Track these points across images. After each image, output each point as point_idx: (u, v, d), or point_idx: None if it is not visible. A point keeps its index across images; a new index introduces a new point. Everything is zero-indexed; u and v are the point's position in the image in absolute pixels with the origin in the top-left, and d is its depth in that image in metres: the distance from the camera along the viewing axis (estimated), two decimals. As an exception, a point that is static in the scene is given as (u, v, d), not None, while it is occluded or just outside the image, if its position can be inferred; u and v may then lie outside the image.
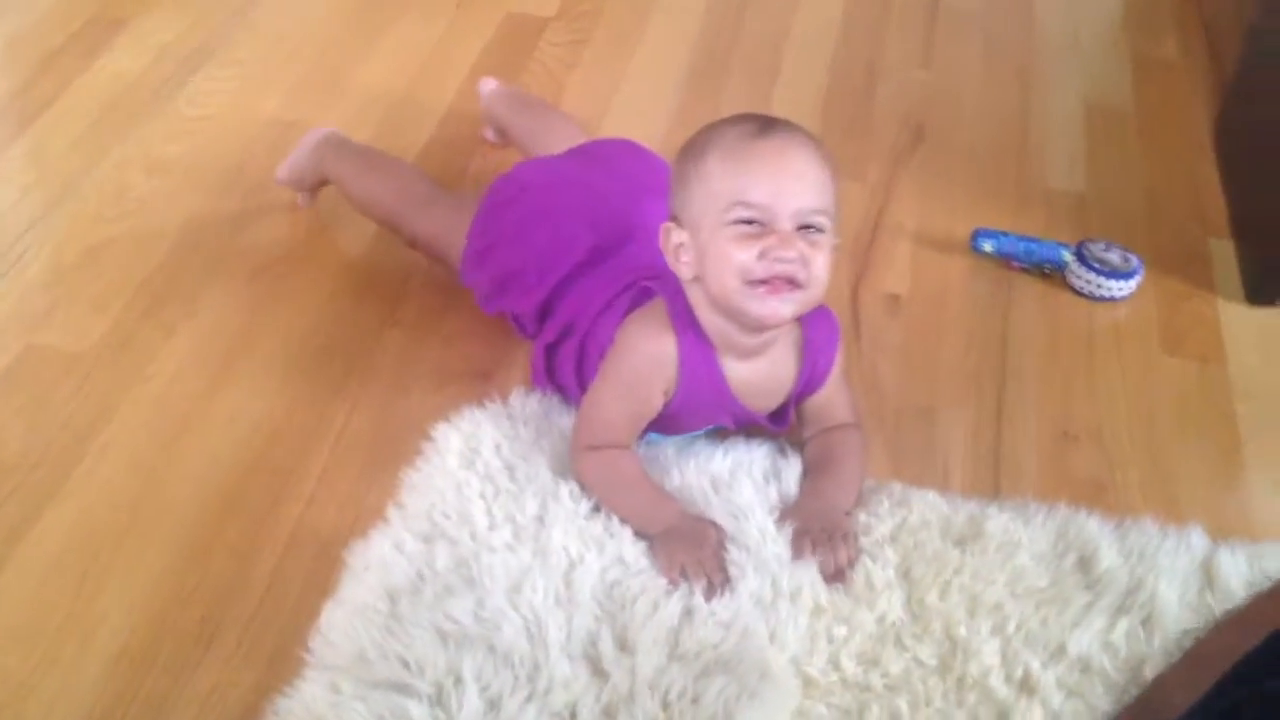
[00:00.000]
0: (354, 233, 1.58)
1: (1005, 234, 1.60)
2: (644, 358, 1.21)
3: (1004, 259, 1.59)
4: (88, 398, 1.34)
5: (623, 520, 1.20)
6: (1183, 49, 2.11)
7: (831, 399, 1.28)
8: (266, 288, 1.49)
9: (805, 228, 1.14)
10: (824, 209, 1.15)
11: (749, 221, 1.13)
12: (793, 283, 1.13)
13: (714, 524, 1.20)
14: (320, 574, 1.17)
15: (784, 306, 1.15)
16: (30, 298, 1.46)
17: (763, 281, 1.13)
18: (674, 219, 1.19)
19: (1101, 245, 1.57)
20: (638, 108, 1.85)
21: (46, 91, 1.80)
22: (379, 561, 1.16)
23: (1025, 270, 1.59)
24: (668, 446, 1.29)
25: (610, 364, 1.23)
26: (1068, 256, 1.57)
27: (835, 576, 1.17)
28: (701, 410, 1.25)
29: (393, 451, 1.29)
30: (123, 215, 1.59)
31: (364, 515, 1.22)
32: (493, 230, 1.39)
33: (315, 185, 1.59)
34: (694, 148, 1.19)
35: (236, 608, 1.15)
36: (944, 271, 1.60)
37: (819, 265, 1.14)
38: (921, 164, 1.79)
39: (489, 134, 1.74)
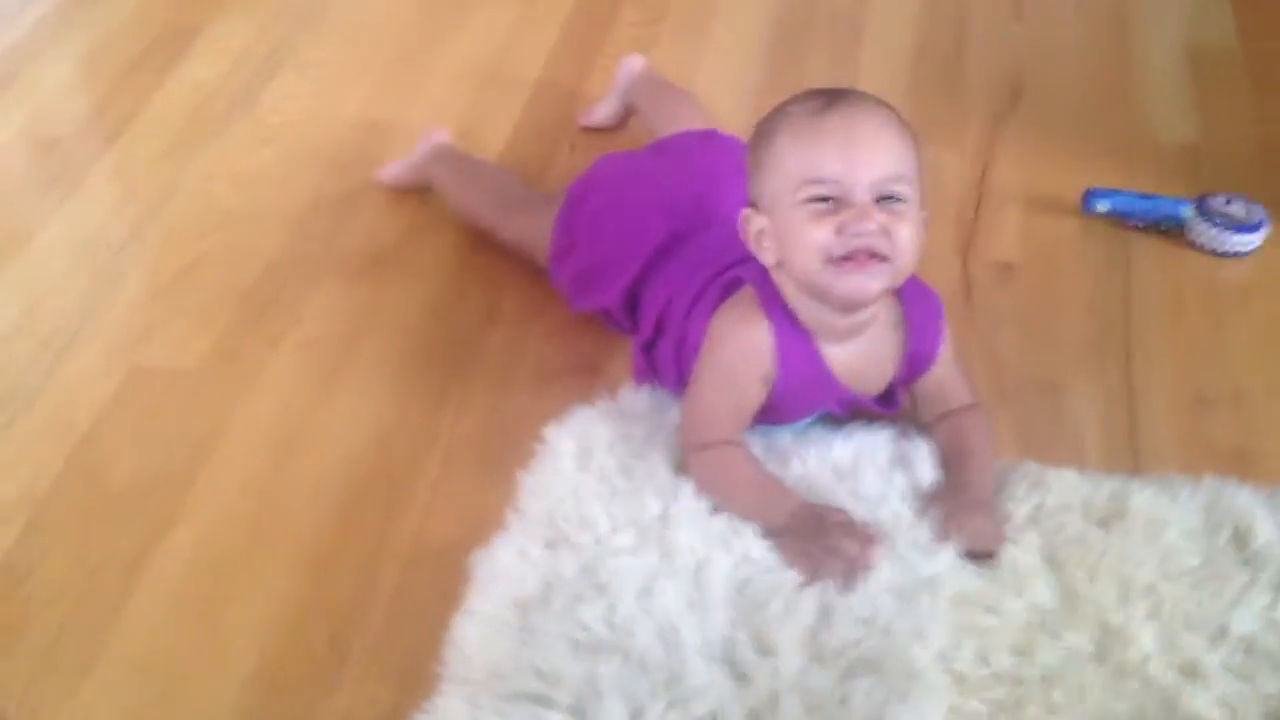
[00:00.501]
0: (448, 232, 1.55)
1: (1120, 192, 1.54)
2: (738, 348, 1.18)
3: (1120, 218, 1.53)
4: (198, 416, 1.33)
5: (741, 518, 1.17)
6: (1285, -20, 2.01)
7: (946, 379, 1.24)
8: (365, 294, 1.47)
9: (885, 199, 1.09)
10: (902, 176, 1.10)
11: (824, 199, 1.09)
12: (876, 255, 1.09)
13: (838, 510, 1.16)
14: (445, 584, 1.15)
15: (870, 281, 1.11)
16: (130, 318, 1.45)
17: (845, 258, 1.09)
18: (752, 205, 1.16)
19: (1223, 198, 1.50)
20: (722, 83, 1.81)
21: (127, 107, 1.79)
22: (505, 571, 1.14)
23: (1143, 229, 1.52)
24: (784, 436, 1.26)
25: (705, 358, 1.20)
26: (1188, 212, 1.50)
27: (981, 555, 1.13)
28: (805, 397, 1.21)
29: (504, 454, 1.26)
30: (214, 228, 1.57)
31: (483, 522, 1.20)
32: (570, 229, 1.38)
33: (419, 189, 1.59)
34: (763, 131, 1.16)
35: (364, 624, 1.13)
36: (1056, 235, 1.54)
37: (904, 235, 1.10)
38: (1022, 124, 1.72)
39: (588, 118, 1.71)
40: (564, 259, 1.39)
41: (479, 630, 1.09)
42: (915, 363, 1.22)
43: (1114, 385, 1.35)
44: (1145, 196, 1.53)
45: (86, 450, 1.30)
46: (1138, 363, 1.37)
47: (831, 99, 1.13)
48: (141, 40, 1.92)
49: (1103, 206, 1.53)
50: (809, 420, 1.27)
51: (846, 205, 1.09)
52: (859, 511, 1.17)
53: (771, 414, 1.22)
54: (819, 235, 1.09)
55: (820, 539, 1.13)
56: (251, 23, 1.95)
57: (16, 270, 1.52)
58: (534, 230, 1.43)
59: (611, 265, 1.33)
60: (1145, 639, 1.07)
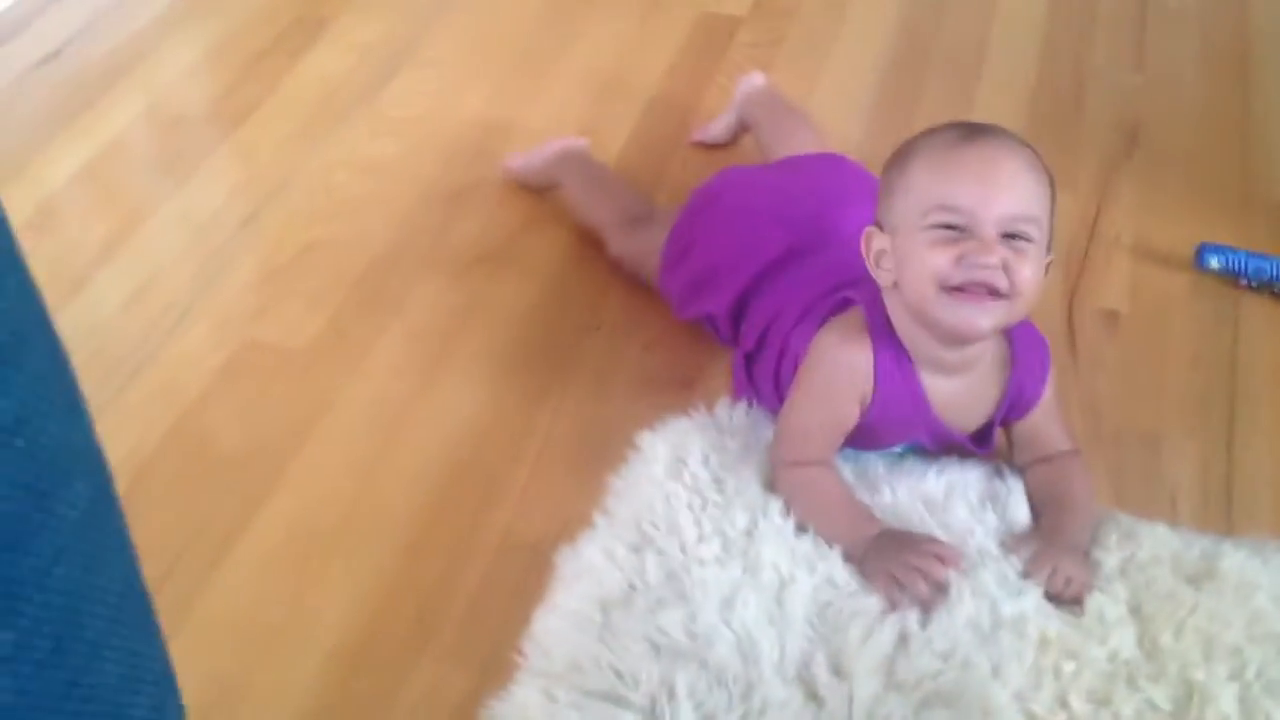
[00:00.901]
0: (556, 235, 1.58)
1: (1234, 249, 1.52)
2: (839, 367, 1.18)
3: (1231, 276, 1.51)
4: (304, 394, 1.37)
5: (825, 540, 1.17)
6: None
7: (1045, 424, 1.23)
8: (473, 289, 1.50)
9: (1011, 236, 1.09)
10: (1033, 217, 1.10)
11: (950, 227, 1.09)
12: (993, 291, 1.09)
13: (925, 535, 1.16)
14: (530, 578, 1.17)
15: (982, 317, 1.10)
16: (245, 295, 1.49)
17: (959, 289, 1.09)
18: (878, 225, 1.16)
19: (1340, 263, 1.48)
20: (835, 109, 1.81)
21: (253, 93, 1.84)
22: (589, 569, 1.16)
23: (1254, 289, 1.50)
24: (877, 464, 1.26)
25: (805, 373, 1.21)
26: (1303, 275, 1.48)
27: (1068, 598, 1.13)
28: (898, 424, 1.21)
29: (597, 458, 1.28)
30: (332, 215, 1.62)
31: (571, 521, 1.22)
32: (687, 235, 1.39)
33: (539, 188, 1.62)
34: (900, 154, 1.16)
35: (449, 609, 1.16)
36: (1165, 287, 1.52)
37: (1025, 275, 1.09)
38: (1137, 172, 1.71)
39: (703, 134, 1.73)
40: (677, 266, 1.40)
41: (560, 625, 1.11)
42: (1015, 406, 1.21)
43: (1213, 444, 1.33)
44: (1259, 255, 1.51)
45: (193, 419, 1.34)
46: (1239, 423, 1.36)
47: (974, 132, 1.13)
48: (271, 30, 1.97)
49: (1215, 263, 1.52)
50: (900, 450, 1.27)
51: (971, 237, 1.09)
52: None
53: (863, 438, 1.23)
54: (938, 260, 1.09)
55: (901, 555, 1.13)
56: (378, 19, 2.00)
57: (134, 246, 1.57)
58: (648, 245, 1.44)
59: (724, 273, 1.33)
60: (1225, 700, 1.05)
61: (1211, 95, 1.88)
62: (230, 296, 1.49)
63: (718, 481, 1.23)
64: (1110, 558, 1.17)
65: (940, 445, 1.25)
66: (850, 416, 1.19)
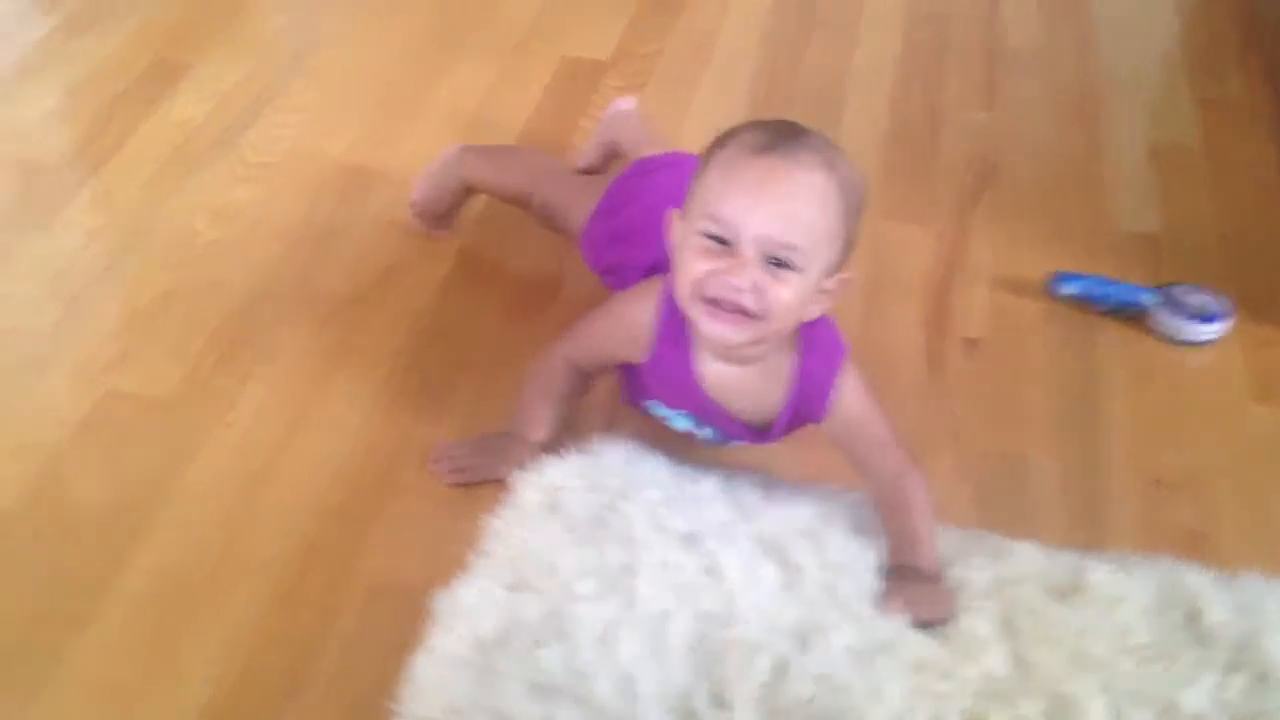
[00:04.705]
0: (425, 277, 1.57)
1: (1087, 276, 1.58)
2: (622, 320, 1.24)
3: (1085, 302, 1.57)
4: (167, 443, 1.33)
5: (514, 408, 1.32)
6: (1246, 88, 2.08)
7: (864, 440, 1.22)
8: (338, 333, 1.48)
9: (773, 259, 1.09)
10: (793, 245, 1.08)
11: (717, 237, 1.10)
12: (742, 311, 1.11)
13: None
14: (404, 624, 1.15)
15: (731, 333, 1.12)
16: (105, 344, 1.45)
17: (713, 300, 1.11)
18: (684, 210, 1.16)
19: (1186, 288, 1.54)
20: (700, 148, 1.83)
21: (111, 139, 1.79)
22: (466, 611, 1.14)
23: (1106, 314, 1.56)
24: (754, 492, 1.27)
25: (604, 306, 1.28)
26: (1152, 300, 1.54)
27: (933, 624, 1.15)
28: (672, 391, 1.25)
29: (471, 499, 1.28)
30: (192, 261, 1.58)
31: (445, 564, 1.20)
32: (634, 187, 1.41)
33: (455, 201, 1.61)
34: (713, 145, 1.15)
35: (321, 659, 1.13)
36: (1021, 315, 1.57)
37: (780, 297, 1.09)
38: (991, 206, 1.77)
39: (580, 161, 1.73)
40: (613, 214, 1.40)
41: (437, 668, 1.09)
42: (805, 405, 1.21)
43: (1074, 463, 1.37)
44: (1110, 282, 1.57)
45: (53, 471, 1.29)
46: (1099, 442, 1.40)
47: (773, 142, 1.10)
48: (129, 75, 1.92)
49: (1069, 289, 1.57)
50: (695, 429, 1.28)
51: (730, 253, 1.09)
52: (822, 575, 1.18)
53: (648, 387, 1.27)
54: (696, 270, 1.11)
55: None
56: (240, 64, 1.97)
57: (-10, 295, 1.52)
58: (575, 198, 1.47)
59: (657, 233, 1.29)
60: (1096, 712, 1.08)
61: (1059, 133, 1.95)
62: (90, 345, 1.44)
63: (594, 519, 1.23)
64: (980, 576, 1.19)
65: (718, 427, 1.26)
66: (619, 358, 1.27)
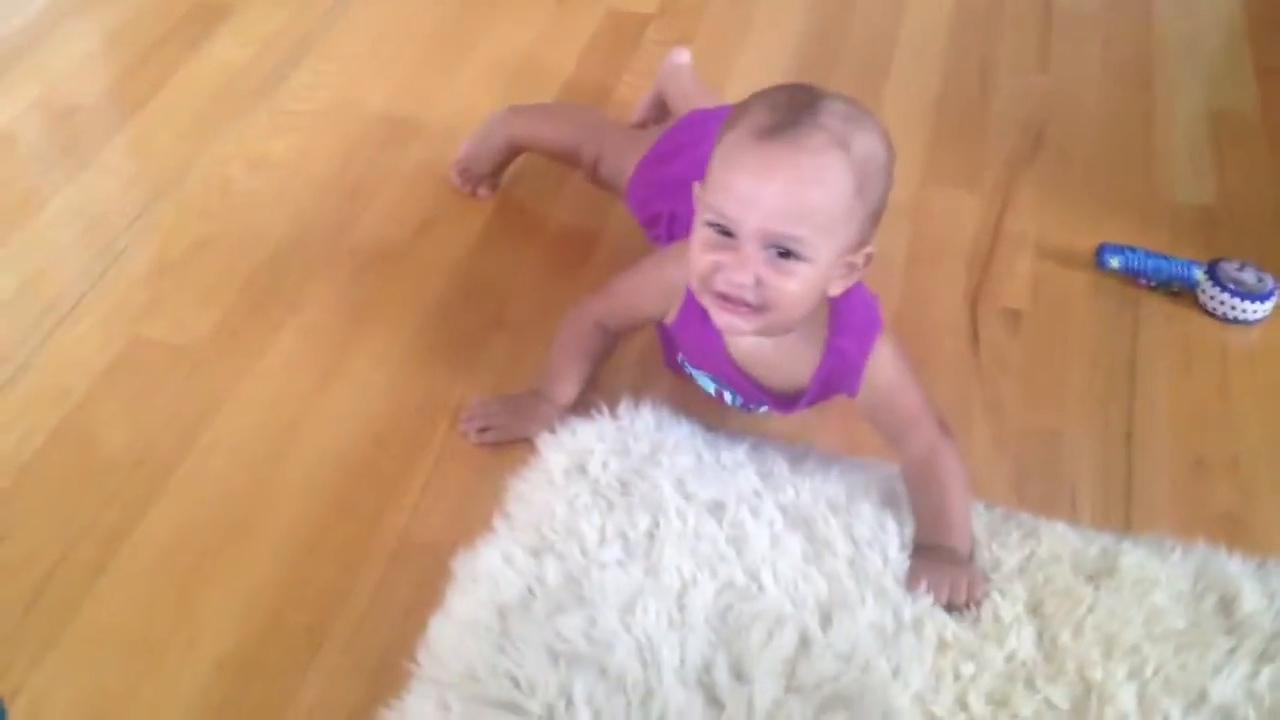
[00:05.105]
0: (460, 233, 1.55)
1: (1133, 249, 1.53)
2: (657, 277, 1.22)
3: (1131, 276, 1.53)
4: (194, 393, 1.32)
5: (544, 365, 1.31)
6: (1311, 57, 2.02)
7: (898, 410, 1.20)
8: (372, 287, 1.47)
9: (777, 248, 1.06)
10: (801, 236, 1.05)
11: (720, 227, 1.07)
12: (746, 304, 1.08)
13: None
14: (427, 584, 1.14)
15: (740, 323, 1.10)
16: (135, 291, 1.44)
17: (720, 294, 1.09)
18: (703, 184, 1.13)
19: (1235, 264, 1.50)
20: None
21: (149, 82, 1.78)
22: (487, 574, 1.13)
23: (1153, 288, 1.52)
24: (783, 463, 1.25)
25: (642, 263, 1.26)
26: (1200, 275, 1.50)
27: (959, 607, 1.13)
28: (699, 353, 1.24)
29: (498, 460, 1.26)
30: (227, 210, 1.57)
31: (470, 525, 1.19)
32: (686, 137, 1.39)
33: (500, 161, 1.59)
34: (730, 119, 1.11)
35: (343, 616, 1.13)
36: (1067, 287, 1.53)
37: (783, 290, 1.07)
38: (1041, 172, 1.72)
39: (635, 115, 1.70)
40: (664, 161, 1.38)
41: (456, 632, 1.08)
42: (835, 377, 1.19)
43: (1113, 441, 1.34)
44: (1158, 255, 1.53)
45: (77, 418, 1.29)
46: (1138, 421, 1.37)
47: (784, 123, 1.05)
48: (169, 18, 1.91)
49: (1115, 262, 1.53)
50: (730, 398, 1.28)
51: (733, 246, 1.07)
52: (849, 549, 1.16)
53: (680, 347, 1.27)
54: (702, 263, 1.09)
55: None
56: (281, 9, 1.95)
57: (23, 238, 1.51)
58: (624, 149, 1.45)
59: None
60: (1124, 699, 1.06)
61: (1114, 98, 1.90)
62: (119, 292, 1.44)
63: (620, 483, 1.22)
64: (1011, 556, 1.17)
65: (742, 393, 1.25)
66: (651, 316, 1.26)
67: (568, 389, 1.30)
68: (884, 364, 1.18)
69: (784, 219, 1.05)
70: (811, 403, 1.22)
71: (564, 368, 1.30)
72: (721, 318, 1.11)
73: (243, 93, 1.77)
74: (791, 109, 1.07)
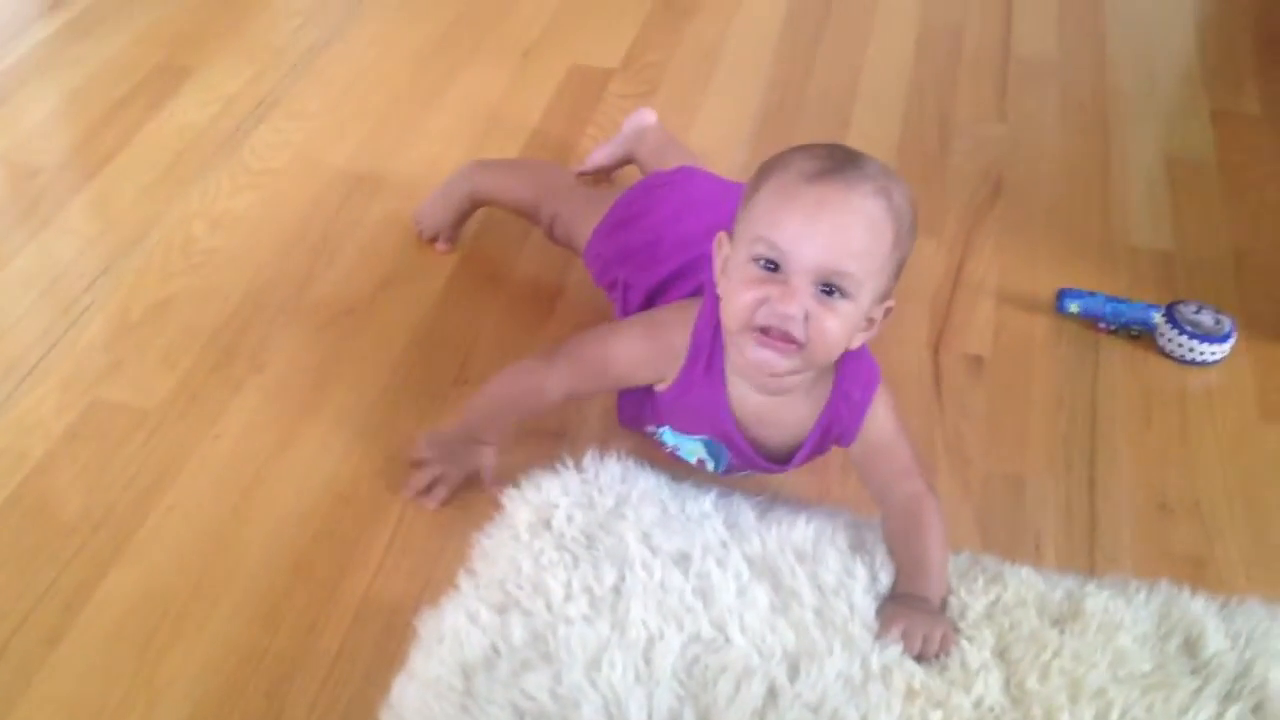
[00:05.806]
0: (422, 290, 1.55)
1: (1092, 294, 1.55)
2: (655, 342, 1.20)
3: (1091, 320, 1.54)
4: (153, 456, 1.31)
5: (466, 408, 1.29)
6: (1262, 101, 2.05)
7: (887, 462, 1.21)
8: (333, 344, 1.46)
9: (825, 286, 1.08)
10: (849, 273, 1.07)
11: (769, 262, 1.08)
12: (790, 339, 1.09)
13: None
14: (390, 644, 1.13)
15: (778, 360, 1.10)
16: (95, 353, 1.43)
17: (762, 329, 1.09)
18: (731, 232, 1.15)
19: (1193, 307, 1.51)
20: (706, 163, 1.81)
21: (110, 143, 1.78)
22: (452, 633, 1.12)
23: (1113, 332, 1.54)
24: (749, 512, 1.24)
25: (630, 321, 1.24)
26: (1157, 318, 1.51)
27: (928, 657, 1.12)
28: (692, 415, 1.22)
29: (462, 516, 1.26)
30: (188, 269, 1.56)
31: (435, 583, 1.19)
32: (641, 204, 1.40)
33: (460, 216, 1.60)
34: (764, 169, 1.13)
35: (304, 680, 1.11)
36: (1027, 332, 1.55)
37: (828, 327, 1.08)
38: (1000, 219, 1.74)
39: (585, 164, 1.72)
40: (619, 229, 1.39)
41: (419, 692, 1.07)
42: (830, 434, 1.20)
43: (1076, 484, 1.35)
44: (1116, 300, 1.55)
45: (36, 482, 1.28)
46: (1101, 464, 1.37)
47: (832, 169, 1.08)
48: (132, 78, 1.92)
49: (1074, 307, 1.54)
50: (709, 464, 1.26)
51: (782, 281, 1.08)
52: (815, 598, 1.16)
53: (658, 412, 1.24)
54: (746, 299, 1.09)
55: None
56: (243, 69, 1.96)
57: (-18, 301, 1.51)
58: (582, 211, 1.45)
59: (669, 248, 1.31)
60: (1092, 743, 1.06)
61: (1072, 146, 1.92)
62: (79, 354, 1.43)
63: (585, 536, 1.21)
64: (976, 601, 1.17)
65: (734, 456, 1.24)
66: (639, 382, 1.23)
67: (499, 437, 1.29)
68: (882, 414, 1.20)
69: (837, 255, 1.06)
70: (807, 458, 1.23)
71: (501, 420, 1.29)
72: (759, 354, 1.10)
73: (205, 152, 1.77)
74: (834, 159, 1.10)
